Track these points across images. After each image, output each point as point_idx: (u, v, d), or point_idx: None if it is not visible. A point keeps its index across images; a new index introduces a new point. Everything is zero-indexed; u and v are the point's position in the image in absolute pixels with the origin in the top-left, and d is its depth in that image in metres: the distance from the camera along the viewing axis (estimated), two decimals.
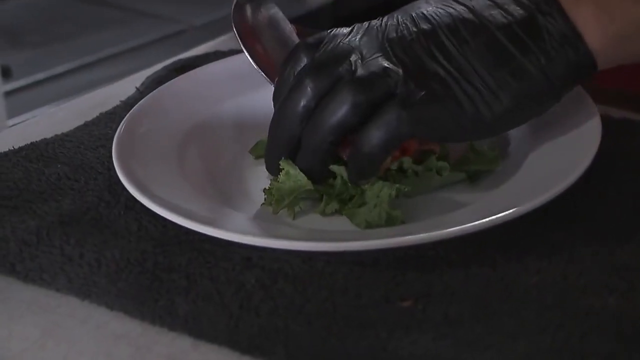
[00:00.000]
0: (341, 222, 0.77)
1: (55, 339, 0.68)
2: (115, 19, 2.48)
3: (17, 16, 2.44)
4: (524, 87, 0.74)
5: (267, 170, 0.80)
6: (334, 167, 0.77)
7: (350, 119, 0.74)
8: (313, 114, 0.75)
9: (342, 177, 0.77)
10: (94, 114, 0.96)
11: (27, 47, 2.27)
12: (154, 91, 0.91)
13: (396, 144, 0.75)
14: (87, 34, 2.37)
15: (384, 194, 0.75)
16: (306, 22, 2.50)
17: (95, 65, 2.24)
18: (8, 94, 2.05)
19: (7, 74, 2.09)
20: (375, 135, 0.73)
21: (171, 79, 0.95)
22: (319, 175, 0.77)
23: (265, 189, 0.78)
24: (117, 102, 0.98)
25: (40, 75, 2.09)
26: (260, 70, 0.84)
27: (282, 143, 0.77)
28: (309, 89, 0.75)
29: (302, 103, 0.75)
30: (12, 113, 1.87)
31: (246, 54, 0.84)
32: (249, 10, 0.87)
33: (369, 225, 0.75)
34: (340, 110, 0.74)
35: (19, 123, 1.08)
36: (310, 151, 0.76)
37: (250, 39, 0.85)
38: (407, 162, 0.78)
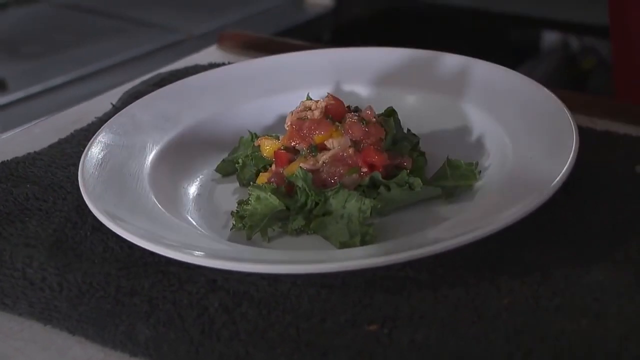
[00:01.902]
0: (313, 242, 0.75)
1: None
2: (115, 29, 2.46)
3: (13, 27, 2.42)
4: None
5: None
6: (292, 178, 0.76)
7: None
8: None
9: (300, 185, 0.75)
10: (70, 130, 0.95)
11: (23, 59, 2.26)
12: (125, 108, 0.89)
13: None
14: (85, 44, 2.35)
15: (352, 207, 0.73)
16: (306, 32, 2.49)
17: (94, 77, 2.22)
18: (3, 107, 2.03)
19: (2, 86, 2.08)
20: None
21: (148, 94, 0.93)
22: None
23: (233, 212, 0.76)
24: (93, 119, 0.96)
25: (36, 88, 2.07)
26: None
27: None
28: None
29: None
30: (7, 127, 1.85)
31: None
32: None
33: (344, 246, 0.73)
34: None
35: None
36: None
37: None
38: (377, 177, 0.76)
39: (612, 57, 1.13)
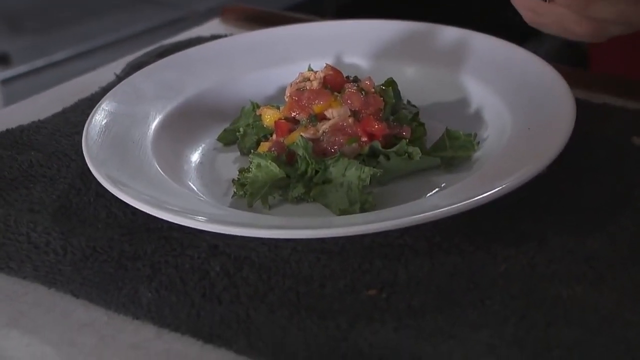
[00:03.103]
0: (313, 209, 0.76)
1: (20, 328, 0.67)
2: (117, 5, 2.47)
3: (16, 2, 2.43)
4: None
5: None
6: (293, 146, 0.77)
7: None
8: None
9: (301, 154, 0.76)
10: (74, 100, 0.96)
11: (26, 34, 2.26)
12: (128, 77, 0.90)
13: None
14: (88, 19, 2.35)
15: (352, 175, 0.74)
16: (310, 7, 2.49)
17: (97, 52, 2.22)
18: (6, 81, 2.04)
19: (5, 61, 2.08)
20: None
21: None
22: None
23: (234, 179, 0.77)
24: (97, 89, 0.97)
25: (39, 62, 2.08)
26: None
27: None
28: None
29: None
30: (10, 101, 1.86)
31: None
32: None
33: (343, 213, 0.74)
34: None
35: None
36: None
37: None
38: (377, 146, 0.77)
39: None
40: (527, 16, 0.81)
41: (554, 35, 0.82)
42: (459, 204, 0.67)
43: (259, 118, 0.84)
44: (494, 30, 0.93)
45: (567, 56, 2.56)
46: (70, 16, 2.36)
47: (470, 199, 0.68)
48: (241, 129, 0.84)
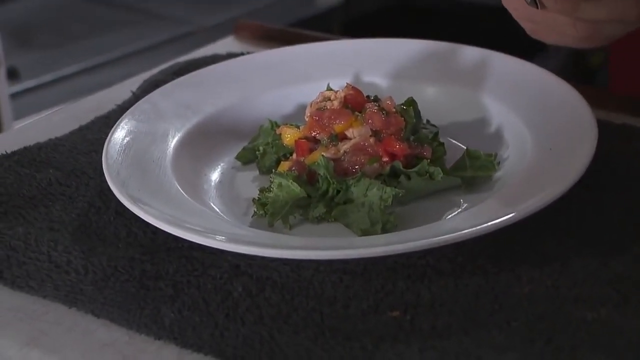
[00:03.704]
0: (334, 229, 0.76)
1: (40, 347, 0.67)
2: (125, 20, 2.48)
3: (26, 17, 2.44)
4: None
5: None
6: (314, 166, 0.77)
7: None
8: None
9: (322, 173, 0.76)
10: (90, 118, 0.95)
11: (35, 49, 2.27)
12: (147, 96, 0.90)
13: None
14: (96, 35, 2.36)
15: (374, 195, 0.74)
16: (316, 24, 2.50)
17: (105, 67, 2.23)
18: (15, 95, 2.04)
19: (14, 75, 2.09)
20: None
21: (168, 82, 0.94)
22: None
23: (254, 199, 0.77)
24: (113, 106, 0.97)
25: (48, 77, 2.09)
26: None
27: None
28: None
29: None
30: (19, 115, 1.87)
31: None
32: None
33: (365, 233, 0.74)
34: None
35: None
36: None
37: None
38: (398, 166, 0.77)
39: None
40: (527, 27, 0.82)
41: (555, 45, 0.82)
42: (482, 226, 0.67)
43: (278, 137, 0.84)
44: (501, 45, 0.93)
45: (573, 73, 2.57)
46: (78, 31, 2.37)
47: (493, 220, 0.68)
48: (261, 148, 0.84)
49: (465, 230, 0.67)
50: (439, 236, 0.67)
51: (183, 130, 0.86)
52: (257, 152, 0.85)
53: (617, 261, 0.69)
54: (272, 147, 0.84)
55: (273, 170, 0.80)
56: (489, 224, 0.68)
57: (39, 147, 0.89)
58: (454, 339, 0.62)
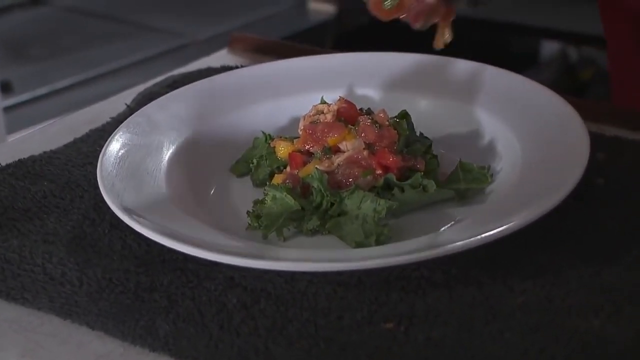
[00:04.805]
0: (328, 241, 0.76)
1: (35, 359, 0.67)
2: (120, 33, 2.48)
3: (19, 30, 2.44)
4: None
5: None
6: (308, 179, 0.77)
7: None
8: None
9: (316, 186, 0.77)
10: (85, 130, 0.96)
11: (29, 61, 2.27)
12: (142, 109, 0.90)
13: None
14: (90, 47, 2.36)
15: (367, 207, 0.74)
16: (308, 37, 2.50)
17: (99, 80, 2.23)
18: (8, 109, 2.04)
19: (7, 88, 2.09)
20: None
21: (162, 95, 0.95)
22: None
23: (248, 211, 0.77)
24: (108, 119, 0.97)
25: (42, 90, 2.08)
26: None
27: None
28: None
29: None
30: (12, 128, 1.87)
31: None
32: None
33: (359, 245, 0.74)
34: None
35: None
36: None
37: None
38: (391, 178, 0.77)
39: (607, 61, 1.15)
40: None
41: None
42: (476, 238, 0.68)
43: (272, 150, 0.84)
44: (491, 59, 0.93)
45: (564, 85, 2.58)
46: (72, 44, 2.37)
47: (487, 232, 0.68)
48: (255, 161, 0.84)
49: (459, 243, 0.68)
50: (433, 248, 0.67)
51: (177, 143, 0.87)
52: (250, 165, 0.85)
53: (609, 272, 0.69)
54: (266, 159, 0.84)
55: (267, 182, 0.80)
56: (483, 235, 0.68)
57: (33, 159, 0.89)
58: (449, 349, 0.63)
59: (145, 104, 0.93)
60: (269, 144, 0.85)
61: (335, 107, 0.82)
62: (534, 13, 2.58)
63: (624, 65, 1.11)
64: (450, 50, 0.96)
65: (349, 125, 0.81)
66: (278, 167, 0.83)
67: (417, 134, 0.86)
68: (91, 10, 2.68)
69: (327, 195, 0.76)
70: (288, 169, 0.81)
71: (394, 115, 0.84)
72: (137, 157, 0.83)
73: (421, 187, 0.78)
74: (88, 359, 0.67)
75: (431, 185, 0.77)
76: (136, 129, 0.87)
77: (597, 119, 0.91)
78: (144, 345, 0.67)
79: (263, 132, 0.88)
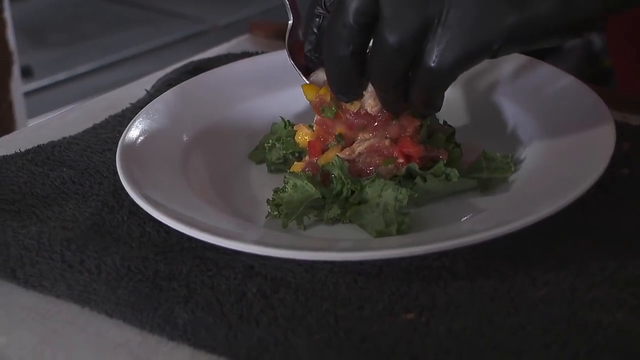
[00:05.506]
0: (349, 230, 0.75)
1: (53, 347, 0.67)
2: (139, 19, 2.48)
3: (40, 16, 2.44)
4: None
5: (338, 94, 0.77)
6: (328, 167, 0.77)
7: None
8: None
9: (336, 174, 0.76)
10: (104, 116, 0.95)
11: (49, 47, 2.27)
12: (161, 95, 0.90)
13: (484, 51, 0.68)
14: (110, 33, 2.36)
15: (389, 196, 0.73)
16: None
17: (118, 65, 2.23)
18: (29, 94, 2.05)
19: (28, 73, 2.09)
20: (455, 40, 0.67)
21: (182, 82, 0.94)
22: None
23: (269, 200, 0.77)
24: (127, 105, 0.97)
25: (62, 75, 2.08)
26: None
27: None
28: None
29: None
30: (32, 113, 1.87)
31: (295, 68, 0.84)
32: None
33: (380, 234, 0.73)
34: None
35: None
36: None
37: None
38: (414, 167, 0.76)
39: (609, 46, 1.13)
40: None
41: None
42: (499, 229, 0.67)
43: (292, 133, 0.83)
44: None
45: (587, 74, 2.56)
46: (92, 30, 2.37)
47: (510, 222, 0.67)
48: (270, 141, 0.84)
49: (482, 233, 0.67)
50: (455, 238, 0.66)
51: (196, 129, 0.86)
52: (265, 145, 0.84)
53: (634, 264, 0.68)
54: (283, 142, 0.83)
55: (283, 168, 0.80)
56: (506, 226, 0.67)
57: (52, 145, 0.88)
58: (470, 342, 0.62)
59: (165, 90, 0.92)
60: (290, 128, 0.84)
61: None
62: None
63: (625, 58, 1.10)
64: None
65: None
66: (292, 153, 0.83)
67: (440, 122, 0.86)
68: None
69: (348, 183, 0.76)
70: (307, 157, 0.80)
71: None
72: (157, 144, 0.82)
73: (444, 176, 0.77)
74: (106, 347, 0.66)
75: (454, 174, 0.77)
76: (155, 116, 0.86)
77: (622, 108, 0.90)
78: (162, 334, 0.66)
79: (282, 118, 0.87)
